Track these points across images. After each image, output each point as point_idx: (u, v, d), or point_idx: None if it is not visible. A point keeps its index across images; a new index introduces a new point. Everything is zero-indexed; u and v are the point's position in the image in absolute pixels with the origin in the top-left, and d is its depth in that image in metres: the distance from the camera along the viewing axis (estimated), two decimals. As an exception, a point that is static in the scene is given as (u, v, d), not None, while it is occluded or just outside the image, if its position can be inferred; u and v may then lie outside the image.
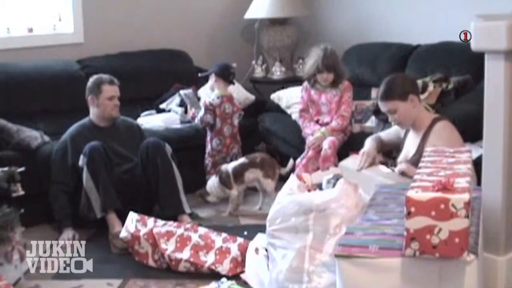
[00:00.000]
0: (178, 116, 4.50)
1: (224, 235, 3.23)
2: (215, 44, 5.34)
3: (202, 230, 3.27)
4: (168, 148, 3.74)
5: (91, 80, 3.83)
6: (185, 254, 3.11)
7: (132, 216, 3.30)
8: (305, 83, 4.17)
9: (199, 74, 4.41)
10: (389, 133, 3.50)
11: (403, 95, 3.16)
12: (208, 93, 4.33)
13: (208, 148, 4.20)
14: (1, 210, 2.83)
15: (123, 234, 3.25)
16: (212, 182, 3.97)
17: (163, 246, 3.14)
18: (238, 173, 3.92)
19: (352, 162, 3.32)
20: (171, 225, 3.28)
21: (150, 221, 3.28)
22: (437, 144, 2.91)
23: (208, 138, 4.21)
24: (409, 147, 3.27)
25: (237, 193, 3.95)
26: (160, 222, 3.30)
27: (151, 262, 3.18)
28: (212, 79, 4.20)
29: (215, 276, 2.96)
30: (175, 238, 3.17)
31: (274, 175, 3.92)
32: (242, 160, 3.99)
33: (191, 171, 4.02)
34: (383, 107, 3.26)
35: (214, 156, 4.17)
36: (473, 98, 3.47)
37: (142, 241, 3.20)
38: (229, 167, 3.96)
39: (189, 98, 4.34)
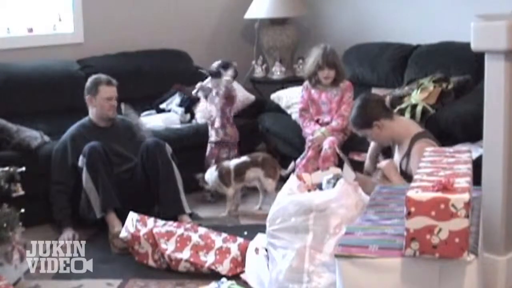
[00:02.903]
0: (178, 116, 4.51)
1: (224, 235, 3.23)
2: (215, 44, 5.34)
3: (202, 230, 3.27)
4: (168, 148, 3.74)
5: (89, 80, 3.84)
6: (185, 254, 3.11)
7: (132, 216, 3.30)
8: (306, 83, 4.17)
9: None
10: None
11: (367, 124, 3.33)
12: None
13: None
14: (1, 210, 2.83)
15: (123, 234, 3.25)
16: (211, 175, 3.96)
17: (163, 246, 3.14)
18: (240, 171, 3.92)
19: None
20: (171, 225, 3.28)
21: (150, 221, 3.28)
22: (416, 168, 3.00)
23: None
24: (396, 161, 3.35)
25: (234, 192, 3.94)
26: (160, 222, 3.30)
27: (151, 262, 3.18)
28: None
29: (215, 276, 2.96)
30: (175, 238, 3.17)
31: (275, 175, 3.92)
32: (244, 158, 3.99)
33: (190, 171, 4.02)
34: (356, 132, 3.51)
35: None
36: (473, 98, 3.47)
37: (142, 241, 3.20)
38: (231, 164, 3.96)
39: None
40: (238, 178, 3.92)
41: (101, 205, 3.53)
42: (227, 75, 4.14)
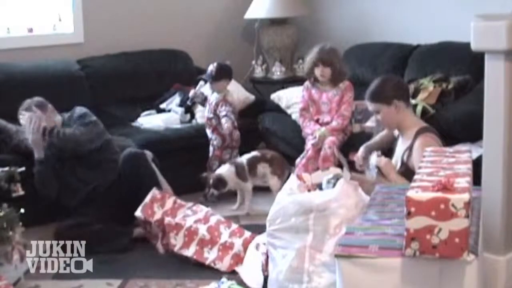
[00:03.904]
0: (178, 116, 4.51)
1: (233, 227, 3.29)
2: (215, 44, 5.34)
3: (213, 219, 3.33)
4: (149, 154, 3.72)
5: None
6: (191, 250, 3.19)
7: (154, 193, 3.40)
8: (306, 83, 4.18)
9: None
10: (381, 135, 3.60)
11: (387, 99, 3.26)
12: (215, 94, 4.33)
13: None
14: (1, 210, 2.83)
15: (138, 213, 3.35)
16: (229, 172, 3.93)
17: (172, 241, 3.24)
18: (252, 165, 3.96)
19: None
20: (189, 208, 3.41)
21: (170, 201, 3.41)
22: (419, 162, 2.99)
23: None
24: (398, 154, 3.35)
25: (252, 187, 3.97)
26: (179, 202, 3.43)
27: (159, 245, 3.32)
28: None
29: (215, 276, 2.98)
30: (183, 232, 3.24)
31: (282, 174, 3.93)
32: (254, 153, 4.04)
33: (191, 171, 4.02)
34: (369, 106, 3.39)
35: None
36: (473, 98, 3.47)
37: (153, 226, 3.32)
38: (243, 159, 3.99)
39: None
40: (252, 173, 3.96)
41: (119, 247, 3.45)
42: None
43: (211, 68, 4.14)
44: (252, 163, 3.96)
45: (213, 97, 4.19)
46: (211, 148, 4.23)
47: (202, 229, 3.25)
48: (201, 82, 4.28)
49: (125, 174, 3.65)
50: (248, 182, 3.96)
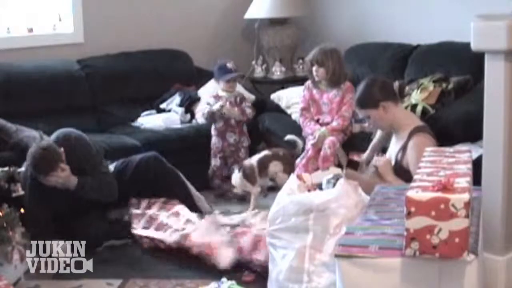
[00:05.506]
0: (178, 116, 4.51)
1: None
2: (215, 44, 5.33)
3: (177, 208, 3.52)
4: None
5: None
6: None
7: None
8: (308, 82, 4.19)
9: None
10: (377, 137, 3.65)
11: (374, 103, 3.30)
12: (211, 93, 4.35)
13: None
14: (1, 210, 2.83)
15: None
16: (236, 177, 3.95)
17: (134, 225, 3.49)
18: (263, 164, 3.95)
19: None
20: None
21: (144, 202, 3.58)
22: (413, 161, 3.06)
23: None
24: (392, 152, 3.36)
25: (259, 190, 3.96)
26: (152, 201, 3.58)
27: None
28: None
29: (215, 275, 2.97)
30: (145, 218, 3.48)
31: (292, 173, 3.94)
32: (265, 152, 4.04)
33: (191, 171, 4.02)
34: (358, 113, 3.46)
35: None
36: (473, 98, 3.47)
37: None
38: (252, 160, 3.99)
39: None
40: (263, 173, 3.95)
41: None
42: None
43: (233, 66, 4.21)
44: (264, 162, 3.95)
45: (231, 98, 4.24)
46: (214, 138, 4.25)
47: (163, 216, 3.42)
48: (205, 105, 4.31)
49: (145, 176, 3.61)
50: (257, 184, 3.94)
